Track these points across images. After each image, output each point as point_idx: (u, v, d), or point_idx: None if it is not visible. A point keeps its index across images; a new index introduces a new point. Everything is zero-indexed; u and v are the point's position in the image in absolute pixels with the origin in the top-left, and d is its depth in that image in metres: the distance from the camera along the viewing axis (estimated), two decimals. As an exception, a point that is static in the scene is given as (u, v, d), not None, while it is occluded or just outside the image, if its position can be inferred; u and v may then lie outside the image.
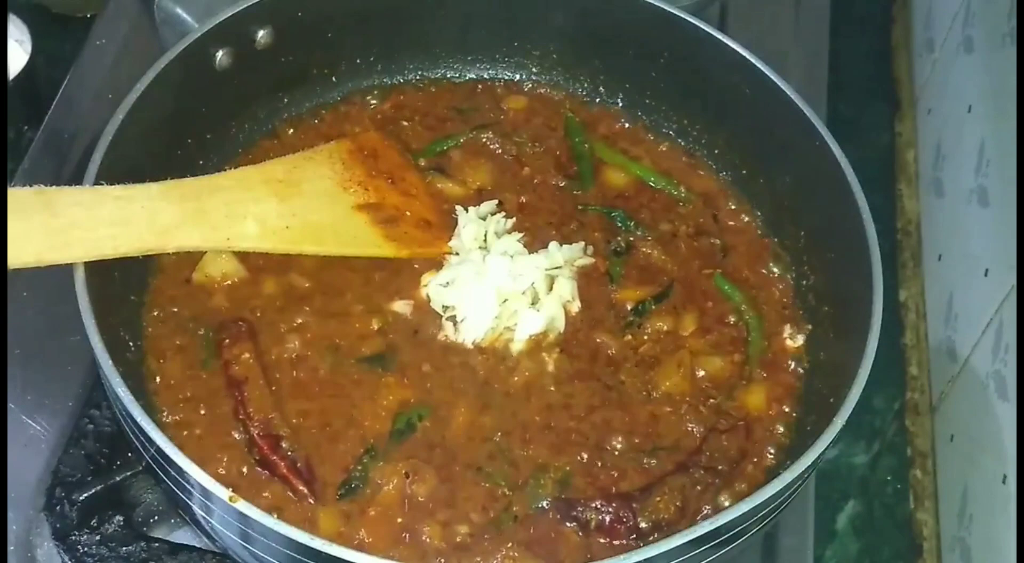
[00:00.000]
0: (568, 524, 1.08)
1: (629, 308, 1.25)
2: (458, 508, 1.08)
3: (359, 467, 1.10)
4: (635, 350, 1.21)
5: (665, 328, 1.23)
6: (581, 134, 1.39)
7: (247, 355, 1.14)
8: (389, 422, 1.14)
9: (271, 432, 1.09)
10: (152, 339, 1.17)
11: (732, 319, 1.25)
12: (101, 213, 1.05)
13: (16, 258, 1.00)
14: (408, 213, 1.27)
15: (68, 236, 1.03)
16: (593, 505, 1.08)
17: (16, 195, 1.02)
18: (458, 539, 1.06)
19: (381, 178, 1.29)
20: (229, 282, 1.20)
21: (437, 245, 1.26)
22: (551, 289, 1.23)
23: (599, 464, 1.13)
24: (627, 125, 1.42)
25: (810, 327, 1.24)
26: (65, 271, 1.03)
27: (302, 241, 1.20)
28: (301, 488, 1.07)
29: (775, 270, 1.30)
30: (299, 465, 1.08)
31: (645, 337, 1.23)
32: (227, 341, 1.15)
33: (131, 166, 1.13)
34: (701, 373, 1.20)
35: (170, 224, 1.10)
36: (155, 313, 1.18)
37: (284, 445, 1.09)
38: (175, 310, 1.19)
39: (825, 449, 1.01)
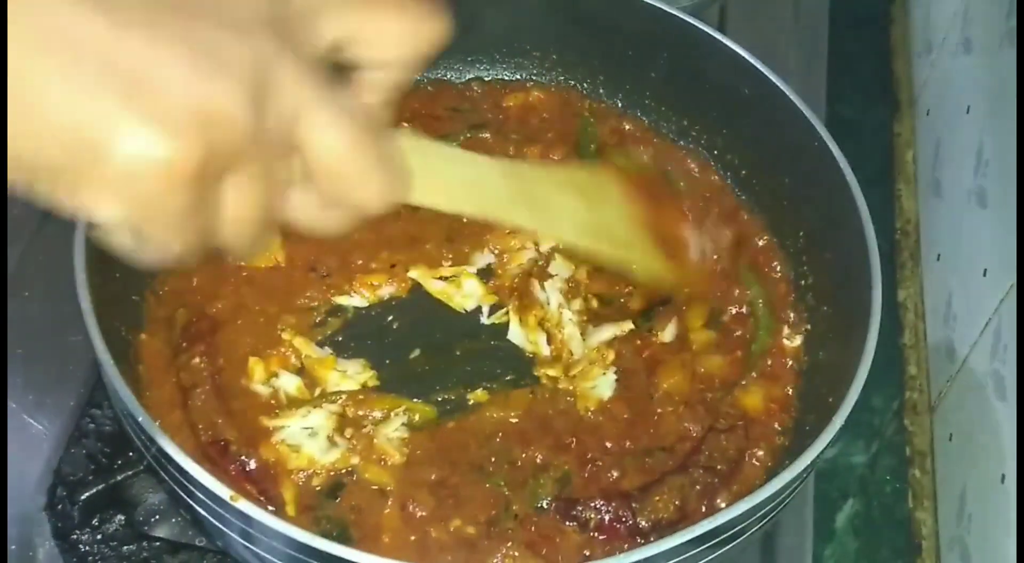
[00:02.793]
0: (568, 523, 1.09)
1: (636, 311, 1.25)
2: (458, 508, 1.08)
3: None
4: (640, 354, 1.22)
5: (672, 329, 1.23)
6: (594, 134, 1.39)
7: (197, 359, 1.12)
8: (389, 422, 1.14)
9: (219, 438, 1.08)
10: (144, 343, 1.16)
11: (735, 317, 1.25)
12: (459, 171, 0.95)
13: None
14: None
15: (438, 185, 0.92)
16: (593, 504, 1.08)
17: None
18: (458, 538, 1.06)
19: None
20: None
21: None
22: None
23: (599, 464, 1.13)
24: (626, 125, 1.42)
25: (809, 327, 1.25)
26: (66, 270, 1.03)
27: (609, 246, 1.11)
28: (252, 490, 1.06)
29: (774, 270, 1.30)
30: (249, 469, 1.07)
31: (653, 340, 1.23)
32: (184, 344, 1.14)
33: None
34: (701, 370, 1.20)
35: (507, 200, 1.00)
36: (153, 314, 1.18)
37: (232, 449, 1.07)
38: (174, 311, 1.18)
39: (824, 449, 1.01)
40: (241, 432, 1.09)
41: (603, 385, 1.18)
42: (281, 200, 0.69)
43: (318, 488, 1.08)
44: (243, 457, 1.07)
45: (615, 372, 1.19)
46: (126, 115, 0.58)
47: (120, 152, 0.58)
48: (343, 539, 1.03)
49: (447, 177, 0.91)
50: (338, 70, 0.74)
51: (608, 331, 1.22)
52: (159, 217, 0.61)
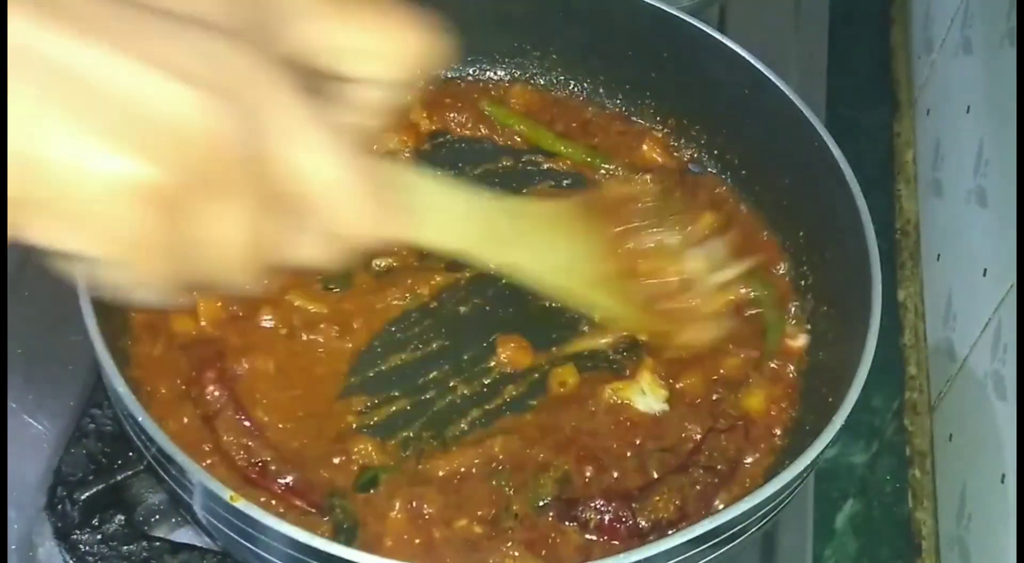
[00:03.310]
0: (568, 523, 1.09)
1: None
2: (460, 507, 1.08)
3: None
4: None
5: None
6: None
7: (211, 387, 1.09)
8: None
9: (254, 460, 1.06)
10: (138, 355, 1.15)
11: (745, 317, 1.25)
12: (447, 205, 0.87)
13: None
14: None
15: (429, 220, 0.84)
16: (593, 504, 1.08)
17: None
18: (460, 538, 1.06)
19: None
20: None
21: None
22: None
23: (599, 464, 1.13)
24: (627, 126, 1.42)
25: (809, 327, 1.25)
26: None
27: (580, 286, 1.05)
28: (301, 505, 1.06)
29: (774, 270, 1.30)
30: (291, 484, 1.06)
31: None
32: (193, 374, 1.11)
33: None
34: (721, 371, 1.19)
35: (492, 235, 0.93)
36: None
37: (273, 469, 1.06)
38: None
39: (824, 449, 1.01)
40: (277, 450, 1.07)
41: (654, 400, 1.17)
42: (271, 229, 0.59)
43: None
44: (283, 473, 1.05)
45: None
46: (86, 136, 0.50)
47: (82, 178, 0.50)
48: (350, 536, 1.04)
49: (437, 211, 0.82)
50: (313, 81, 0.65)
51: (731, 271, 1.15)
52: (135, 249, 0.54)
